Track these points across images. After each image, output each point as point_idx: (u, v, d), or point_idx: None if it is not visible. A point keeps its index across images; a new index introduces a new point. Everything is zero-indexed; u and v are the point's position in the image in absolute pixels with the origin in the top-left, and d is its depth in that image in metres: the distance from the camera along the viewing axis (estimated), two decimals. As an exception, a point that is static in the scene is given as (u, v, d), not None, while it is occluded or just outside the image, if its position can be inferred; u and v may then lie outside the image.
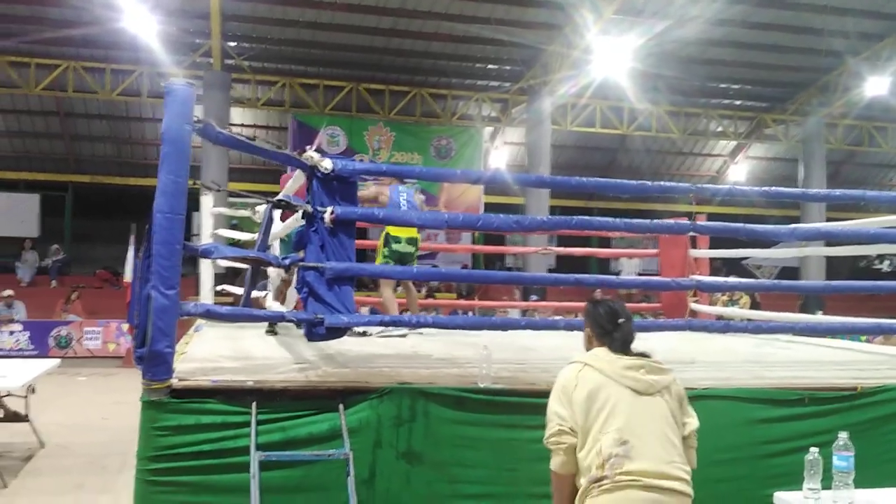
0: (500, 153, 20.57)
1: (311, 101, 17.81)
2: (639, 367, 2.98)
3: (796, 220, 19.43)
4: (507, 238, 19.66)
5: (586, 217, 4.74)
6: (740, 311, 10.69)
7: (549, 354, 5.63)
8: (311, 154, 4.26)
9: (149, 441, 3.60)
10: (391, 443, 3.84)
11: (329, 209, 4.24)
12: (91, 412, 9.36)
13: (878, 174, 23.72)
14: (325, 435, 3.74)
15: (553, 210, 18.60)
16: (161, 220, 3.54)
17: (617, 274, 21.15)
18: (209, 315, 3.97)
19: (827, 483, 3.24)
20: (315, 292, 4.27)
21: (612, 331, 3.08)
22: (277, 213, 4.96)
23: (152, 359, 3.54)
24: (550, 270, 18.95)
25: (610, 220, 4.84)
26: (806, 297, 17.42)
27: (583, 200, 21.49)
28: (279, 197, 4.31)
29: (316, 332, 4.26)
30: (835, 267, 19.72)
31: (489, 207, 19.28)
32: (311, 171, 4.31)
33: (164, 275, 3.55)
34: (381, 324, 4.69)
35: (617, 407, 2.87)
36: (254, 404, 3.68)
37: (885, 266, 23.03)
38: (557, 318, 5.63)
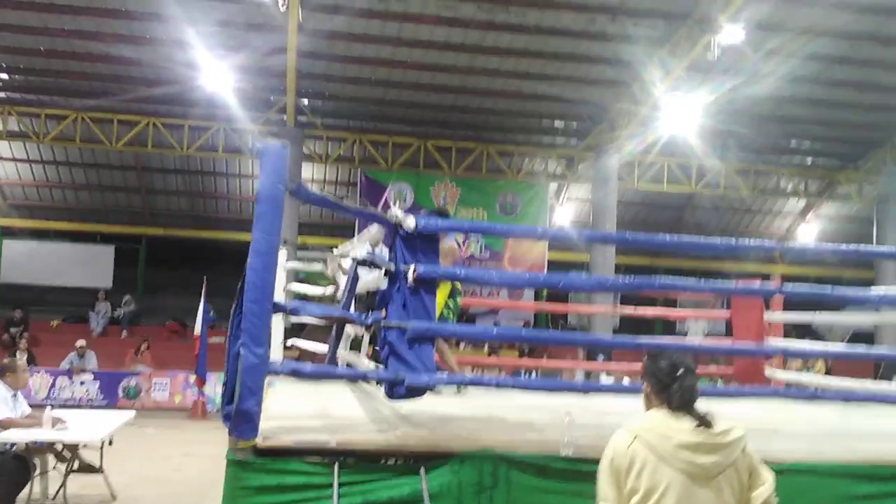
0: (565, 209, 20.51)
1: (380, 157, 18.08)
2: (695, 447, 2.69)
3: (871, 281, 18.86)
4: (570, 295, 19.58)
5: (669, 280, 4.64)
6: (816, 378, 10.34)
7: (627, 419, 5.49)
8: (395, 212, 4.29)
9: (233, 500, 3.59)
10: (471, 509, 3.77)
11: (411, 267, 4.24)
12: (161, 464, 9.45)
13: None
14: (405, 499, 3.70)
15: (618, 268, 18.40)
16: (254, 278, 3.59)
17: (683, 334, 20.75)
18: (295, 374, 3.98)
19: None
20: (396, 351, 4.26)
21: (670, 384, 2.82)
22: (364, 270, 4.97)
23: (240, 417, 3.56)
24: (614, 330, 18.71)
25: (693, 281, 4.75)
26: (884, 364, 16.73)
27: (648, 258, 21.23)
28: (364, 255, 4.34)
29: (396, 391, 4.24)
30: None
31: (553, 264, 19.19)
32: (394, 228, 4.34)
33: (254, 333, 3.59)
34: (462, 383, 4.65)
35: (666, 495, 2.64)
36: (336, 466, 3.65)
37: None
38: (640, 382, 5.48)
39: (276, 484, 3.60)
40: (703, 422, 2.74)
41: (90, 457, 7.56)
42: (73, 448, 7.09)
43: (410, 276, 4.22)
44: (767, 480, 2.83)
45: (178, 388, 15.96)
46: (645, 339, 5.28)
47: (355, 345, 6.68)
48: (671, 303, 19.46)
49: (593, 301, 15.52)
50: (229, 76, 14.63)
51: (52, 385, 15.37)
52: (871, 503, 4.13)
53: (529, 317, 20.64)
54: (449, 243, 6.61)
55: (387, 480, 3.72)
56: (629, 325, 19.25)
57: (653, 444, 2.69)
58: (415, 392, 4.31)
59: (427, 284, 4.38)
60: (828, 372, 12.83)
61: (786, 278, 10.23)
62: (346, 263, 7.03)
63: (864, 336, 19.74)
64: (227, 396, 3.70)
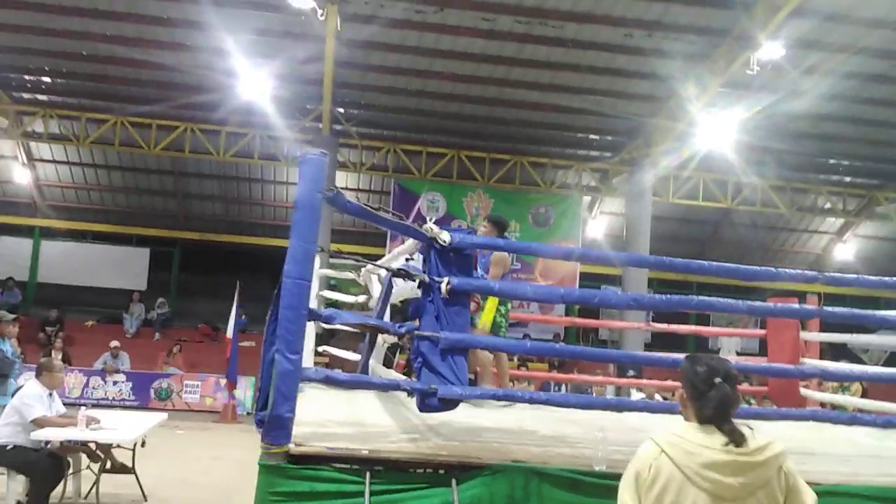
0: (597, 223, 20.42)
1: (413, 166, 18.16)
2: (723, 466, 2.51)
3: (909, 302, 18.53)
4: (601, 310, 19.42)
5: (706, 298, 4.60)
6: (853, 400, 10.17)
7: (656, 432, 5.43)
8: (430, 226, 4.31)
9: (264, 506, 3.61)
10: (503, 522, 3.75)
11: (445, 280, 4.25)
12: (191, 466, 9.52)
13: None
14: (437, 510, 3.68)
15: (651, 282, 18.24)
16: (290, 285, 3.62)
17: (717, 351, 20.52)
18: (329, 381, 4.00)
19: None
20: (429, 362, 4.26)
21: (705, 392, 2.60)
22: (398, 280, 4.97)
23: (273, 423, 3.58)
24: (646, 345, 18.54)
25: (731, 301, 4.69)
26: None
27: (682, 274, 20.99)
28: (400, 266, 4.35)
29: (428, 403, 4.23)
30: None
31: (585, 276, 19.09)
32: (429, 242, 4.35)
33: (289, 339, 3.61)
34: (494, 398, 4.63)
35: None
36: (367, 474, 3.66)
37: None
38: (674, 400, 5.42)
39: (308, 490, 3.61)
40: (735, 438, 2.55)
41: (122, 456, 7.64)
42: (106, 448, 7.17)
43: (444, 288, 4.23)
44: (808, 498, 2.66)
45: (209, 391, 16.10)
46: (678, 356, 5.22)
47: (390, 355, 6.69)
48: (704, 319, 19.23)
49: (625, 316, 15.43)
50: (266, 84, 14.76)
51: (86, 384, 15.60)
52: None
53: (559, 329, 20.53)
54: (502, 253, 6.60)
55: (418, 490, 3.71)
56: (661, 341, 19.07)
57: (679, 460, 2.53)
58: (447, 404, 4.31)
59: (461, 297, 4.39)
60: (864, 394, 12.62)
61: (823, 297, 10.04)
62: (379, 273, 7.08)
63: (900, 357, 19.41)
64: (261, 402, 3.72)
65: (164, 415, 8.25)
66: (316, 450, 3.73)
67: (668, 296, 4.44)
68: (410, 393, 4.34)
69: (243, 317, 16.06)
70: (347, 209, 4.02)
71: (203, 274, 21.07)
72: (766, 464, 2.55)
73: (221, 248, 20.66)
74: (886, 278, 5.04)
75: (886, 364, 19.25)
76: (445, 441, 4.33)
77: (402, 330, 4.32)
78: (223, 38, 13.32)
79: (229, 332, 14.98)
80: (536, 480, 3.79)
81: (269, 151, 17.78)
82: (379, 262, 5.37)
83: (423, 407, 4.30)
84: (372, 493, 3.62)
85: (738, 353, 19.85)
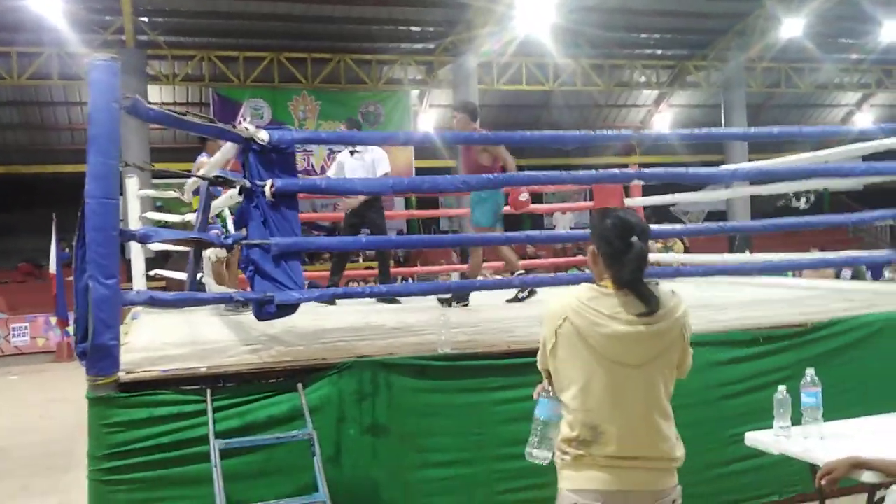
0: (428, 116, 20.37)
1: (232, 73, 17.29)
2: (628, 337, 2.31)
3: (721, 164, 19.83)
4: (440, 201, 19.65)
5: (533, 172, 4.66)
6: (676, 257, 10.90)
7: (500, 314, 5.59)
8: (245, 126, 4.07)
9: (99, 439, 3.41)
10: (355, 418, 3.75)
11: (268, 182, 4.07)
12: (27, 412, 9.00)
13: (796, 114, 24.30)
14: (285, 416, 3.62)
15: (484, 170, 18.51)
16: (94, 205, 3.33)
17: (552, 227, 21.37)
18: (153, 302, 3.77)
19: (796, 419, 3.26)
20: (262, 270, 4.11)
21: (624, 252, 2.32)
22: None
23: (96, 353, 3.35)
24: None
25: (556, 173, 4.80)
26: (735, 239, 17.78)
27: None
28: (216, 173, 4.11)
29: (266, 311, 4.10)
30: (758, 207, 20.22)
31: (420, 171, 19.10)
32: (246, 143, 4.12)
33: (101, 263, 3.35)
34: (335, 296, 4.55)
35: (592, 380, 2.33)
36: (208, 391, 3.53)
37: (801, 203, 23.70)
38: (513, 276, 5.58)
39: (147, 417, 3.44)
40: (651, 304, 2.32)
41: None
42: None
43: (268, 191, 4.05)
44: (688, 361, 2.51)
45: (40, 332, 15.23)
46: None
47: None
48: (537, 198, 19.84)
49: (463, 204, 15.62)
50: (56, -5, 13.45)
51: None
52: (732, 366, 4.36)
53: (402, 225, 20.60)
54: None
55: (264, 400, 3.62)
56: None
57: (583, 329, 2.32)
58: (286, 309, 4.20)
59: (288, 199, 4.22)
60: (686, 250, 13.56)
61: (642, 166, 10.73)
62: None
63: (717, 215, 20.95)
64: (81, 334, 3.46)
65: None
66: (149, 375, 3.54)
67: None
68: (245, 303, 4.18)
69: (66, 250, 15.05)
70: (149, 117, 3.71)
71: (14, 210, 19.49)
72: (671, 328, 2.36)
73: (30, 181, 19.08)
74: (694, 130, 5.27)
75: (707, 221, 20.73)
76: (289, 348, 4.25)
77: (230, 241, 4.11)
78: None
79: (52, 268, 14.07)
80: (384, 373, 3.79)
81: (70, 71, 16.36)
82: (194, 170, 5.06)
83: (261, 315, 4.17)
84: (216, 410, 3.49)
85: (573, 228, 20.83)
